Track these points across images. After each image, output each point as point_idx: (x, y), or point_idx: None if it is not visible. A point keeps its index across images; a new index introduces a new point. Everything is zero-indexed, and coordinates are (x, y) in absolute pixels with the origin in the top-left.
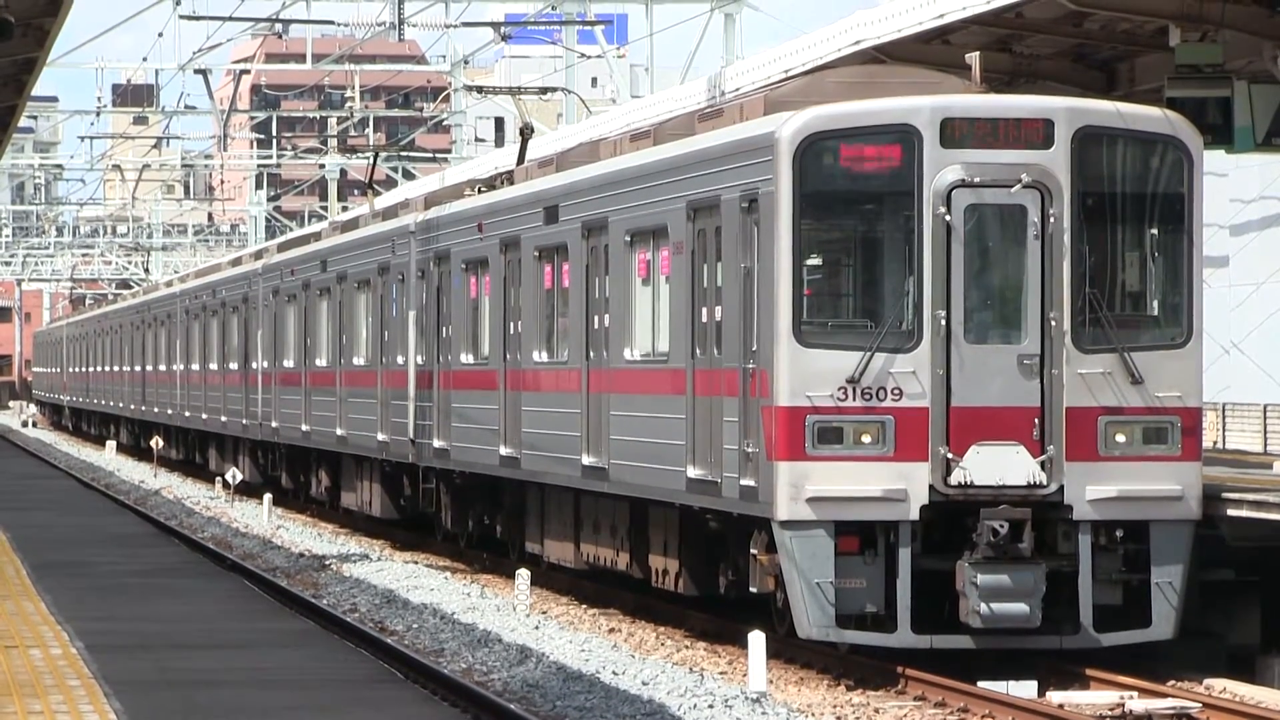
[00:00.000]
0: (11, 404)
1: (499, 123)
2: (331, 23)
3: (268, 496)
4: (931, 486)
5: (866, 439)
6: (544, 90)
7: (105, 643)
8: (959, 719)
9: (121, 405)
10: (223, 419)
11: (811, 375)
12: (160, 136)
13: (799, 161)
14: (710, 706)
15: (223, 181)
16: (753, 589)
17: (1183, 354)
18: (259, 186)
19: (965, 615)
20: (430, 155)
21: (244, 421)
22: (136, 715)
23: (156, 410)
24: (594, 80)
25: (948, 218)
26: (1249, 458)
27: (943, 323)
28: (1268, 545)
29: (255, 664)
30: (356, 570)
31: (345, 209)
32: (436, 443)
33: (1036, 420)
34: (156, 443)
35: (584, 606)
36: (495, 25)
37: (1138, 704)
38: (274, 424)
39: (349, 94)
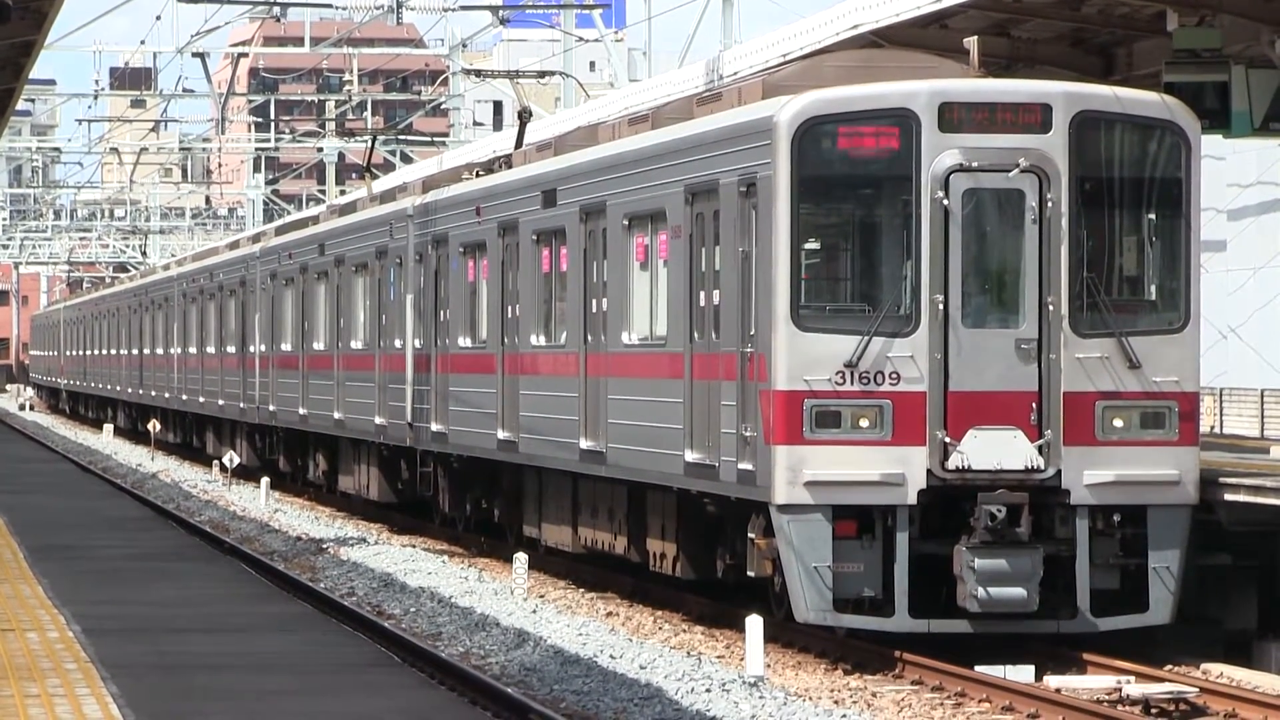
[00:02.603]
0: (9, 387)
1: (497, 106)
2: (330, 6)
3: (265, 480)
4: (929, 471)
5: (864, 423)
6: (542, 74)
7: (102, 626)
8: (956, 703)
9: (119, 389)
10: (220, 402)
11: (809, 359)
12: (158, 120)
13: (797, 145)
14: (708, 690)
15: (220, 165)
16: (750, 573)
17: (1180, 339)
18: (257, 170)
19: (963, 600)
20: (428, 139)
21: (241, 405)
22: (133, 699)
23: (154, 394)
24: (592, 64)
25: (945, 202)
26: (1246, 442)
27: (940, 307)
28: (1265, 530)
29: (252, 647)
30: (354, 554)
31: (343, 192)
32: (434, 426)
33: (1034, 405)
34: (154, 426)
35: (581, 590)
36: (493, 9)
37: (1135, 688)
38: (271, 407)
39: (347, 77)
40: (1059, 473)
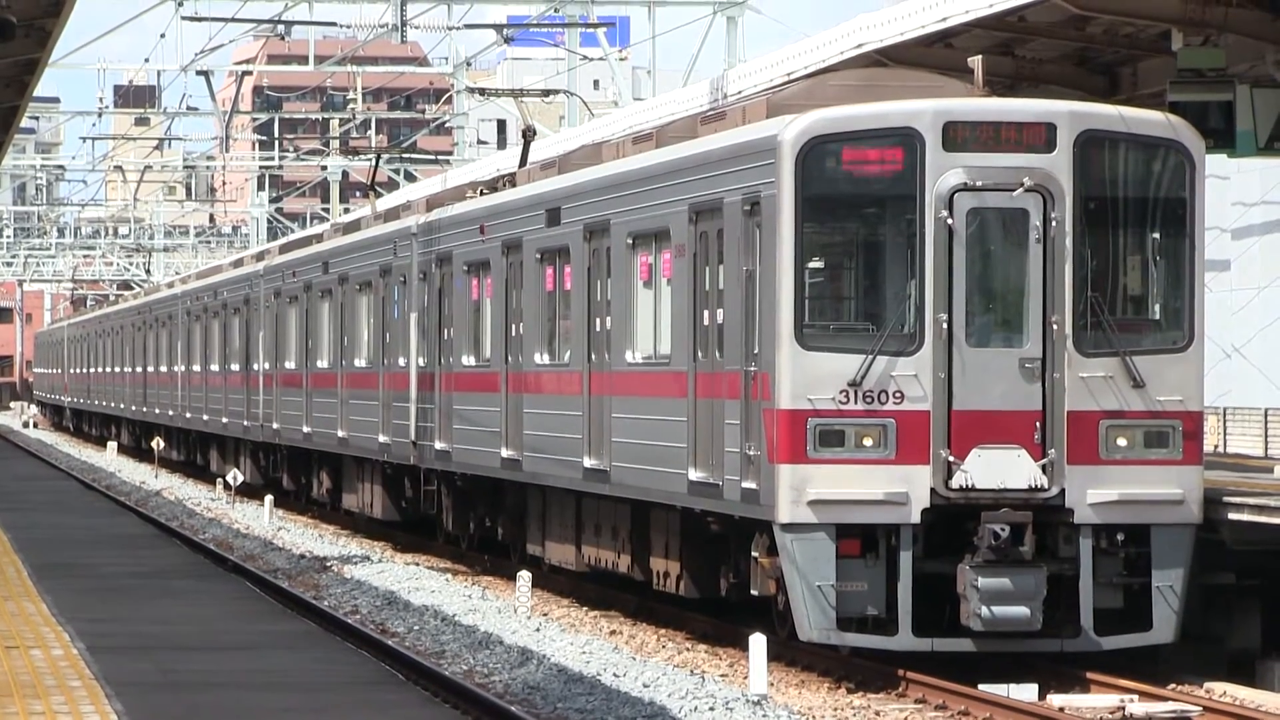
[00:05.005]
0: (13, 405)
1: (501, 125)
2: (334, 24)
3: (269, 498)
4: (933, 489)
5: (868, 442)
6: (546, 92)
7: (106, 644)
8: None
9: (123, 406)
10: (224, 420)
11: (813, 378)
12: (162, 138)
13: (801, 164)
14: (711, 709)
15: (224, 183)
16: (754, 592)
17: (1184, 358)
18: (261, 188)
19: (966, 618)
20: (432, 157)
21: (245, 423)
22: (137, 716)
23: (158, 411)
24: (596, 83)
25: (950, 221)
26: (1250, 462)
27: (944, 326)
28: (1269, 549)
29: (256, 665)
30: (358, 572)
31: (347, 211)
32: (438, 444)
33: (1038, 423)
34: (157, 444)
35: (585, 609)
36: (497, 27)
37: (1138, 707)
38: (275, 425)
39: (351, 96)
40: (1063, 492)
